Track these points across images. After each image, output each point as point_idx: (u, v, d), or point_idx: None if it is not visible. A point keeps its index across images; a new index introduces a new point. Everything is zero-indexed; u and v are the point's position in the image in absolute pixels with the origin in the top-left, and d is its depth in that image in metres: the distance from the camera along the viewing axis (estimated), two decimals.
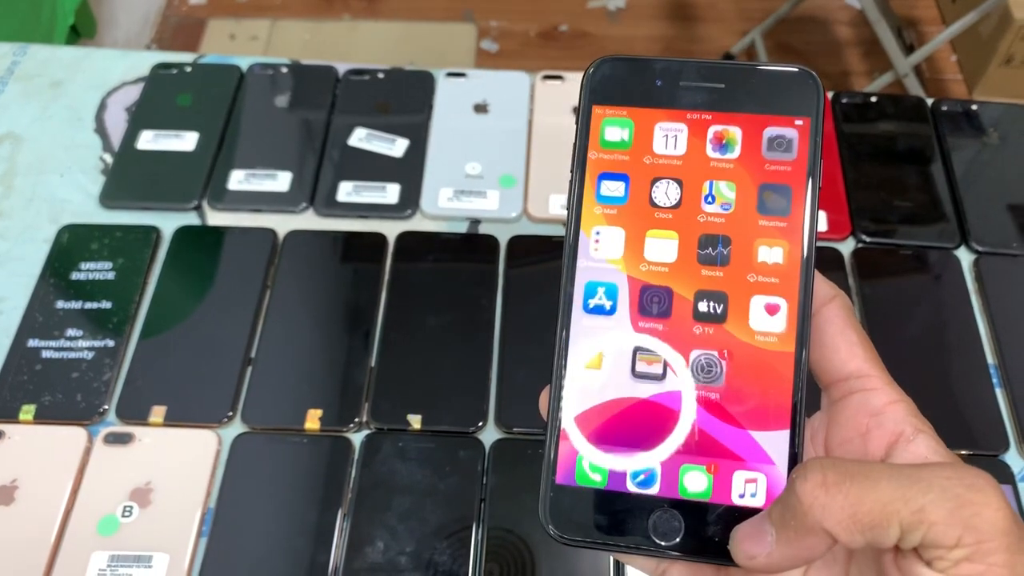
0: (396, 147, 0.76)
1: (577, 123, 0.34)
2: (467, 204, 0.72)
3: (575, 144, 0.34)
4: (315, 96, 0.79)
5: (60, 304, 0.66)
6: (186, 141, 0.76)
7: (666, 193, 0.33)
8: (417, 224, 0.72)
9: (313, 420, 0.61)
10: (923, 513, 0.25)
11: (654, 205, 0.33)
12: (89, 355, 0.64)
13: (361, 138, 0.76)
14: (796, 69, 0.33)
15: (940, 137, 0.77)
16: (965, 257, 0.70)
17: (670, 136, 0.34)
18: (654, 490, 0.31)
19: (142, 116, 0.78)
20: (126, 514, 0.57)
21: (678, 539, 0.31)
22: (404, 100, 0.79)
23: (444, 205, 0.72)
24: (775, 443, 0.31)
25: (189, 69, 0.81)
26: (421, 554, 0.56)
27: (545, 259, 0.69)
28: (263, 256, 0.69)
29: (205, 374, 0.63)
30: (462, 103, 0.79)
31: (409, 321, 0.66)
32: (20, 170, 0.75)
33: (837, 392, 0.31)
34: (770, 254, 0.32)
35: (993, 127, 0.78)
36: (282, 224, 0.71)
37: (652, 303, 0.33)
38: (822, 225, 0.71)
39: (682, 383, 0.32)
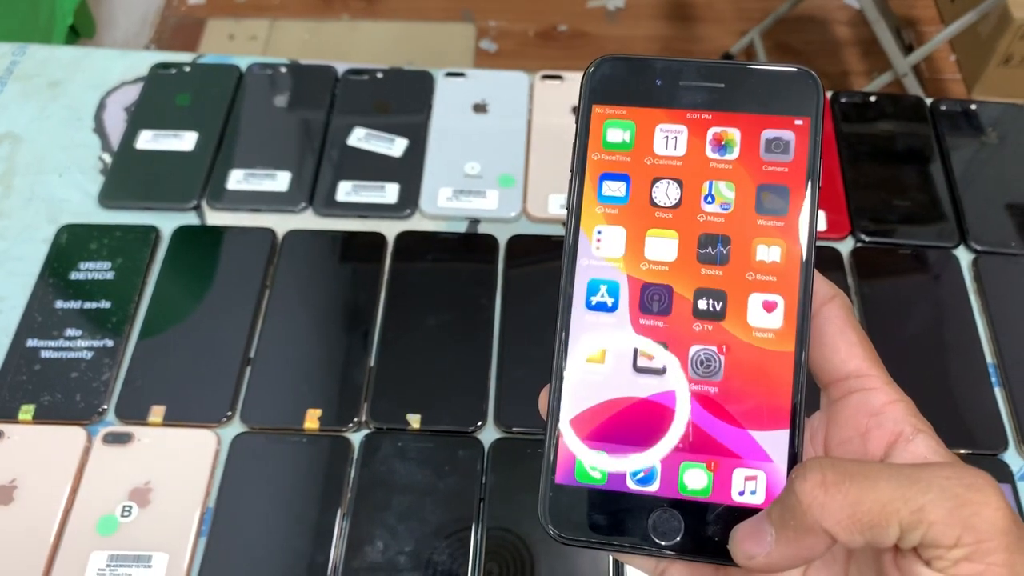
0: (395, 147, 0.76)
1: (577, 122, 0.34)
2: (466, 204, 0.72)
3: (575, 144, 0.34)
4: (314, 96, 0.79)
5: (59, 304, 0.66)
6: (185, 141, 0.76)
7: (666, 193, 0.33)
8: (416, 224, 0.72)
9: (312, 420, 0.61)
10: (922, 513, 0.25)
11: (655, 205, 0.33)
12: (88, 355, 0.64)
13: (360, 138, 0.76)
14: (795, 69, 0.33)
15: (939, 137, 0.77)
16: (964, 256, 0.70)
17: (670, 137, 0.34)
18: (654, 488, 0.31)
19: (141, 116, 0.78)
20: (125, 514, 0.57)
21: (677, 539, 0.31)
22: (403, 100, 0.79)
23: (443, 205, 0.72)
24: (775, 442, 0.31)
25: (188, 69, 0.81)
26: (420, 554, 0.56)
27: (544, 259, 0.69)
28: (262, 256, 0.69)
29: (204, 374, 0.63)
30: (461, 103, 0.79)
31: (408, 321, 0.66)
32: (19, 170, 0.75)
33: (836, 392, 0.31)
34: (769, 253, 0.32)
35: (992, 127, 0.78)
36: (281, 224, 0.71)
37: (652, 301, 0.33)
38: (821, 225, 0.71)
39: (681, 381, 0.32)
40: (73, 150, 0.76)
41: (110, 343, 0.64)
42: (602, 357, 0.33)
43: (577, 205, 0.34)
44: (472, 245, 0.70)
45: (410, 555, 0.56)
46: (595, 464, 0.32)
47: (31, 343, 0.64)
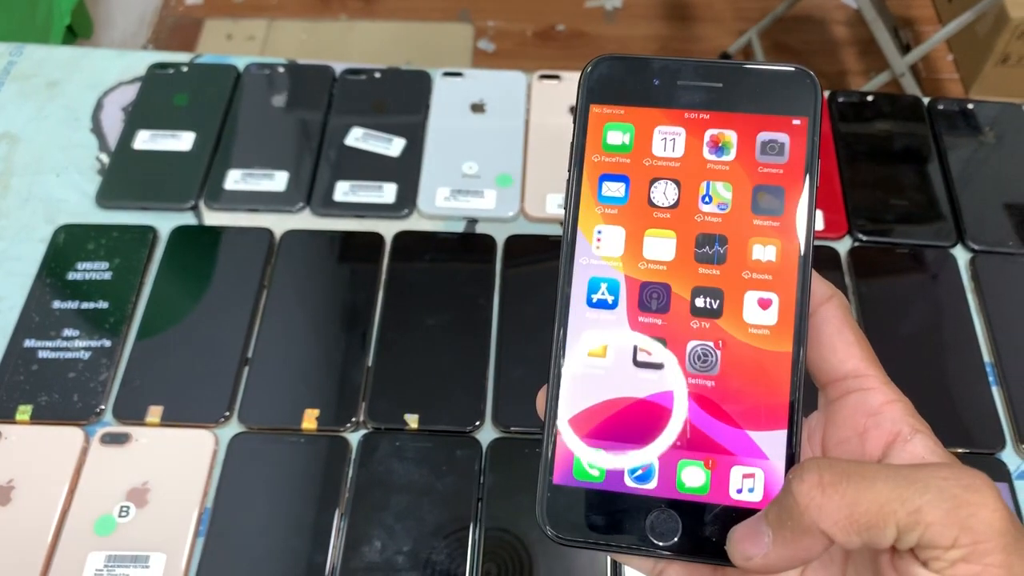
0: (393, 147, 0.76)
1: (575, 122, 0.34)
2: (464, 204, 0.72)
3: (573, 143, 0.34)
4: (312, 96, 0.79)
5: (57, 304, 0.66)
6: (183, 141, 0.76)
7: (664, 193, 0.33)
8: (414, 224, 0.72)
9: (310, 420, 0.61)
10: (919, 514, 0.25)
11: (653, 205, 0.33)
12: (86, 355, 0.64)
13: (358, 138, 0.76)
14: (793, 68, 0.33)
15: (936, 136, 0.77)
16: (961, 256, 0.70)
17: (668, 138, 0.34)
18: (651, 486, 0.31)
19: (138, 116, 0.78)
20: (123, 514, 0.57)
21: (675, 539, 0.31)
22: (401, 100, 0.79)
23: (441, 204, 0.72)
24: (773, 441, 0.31)
25: (186, 69, 0.81)
26: (418, 554, 0.56)
27: (542, 258, 0.69)
28: (260, 256, 0.69)
29: (202, 374, 0.63)
30: (459, 103, 0.79)
31: (406, 321, 0.66)
32: (16, 170, 0.75)
33: (834, 392, 0.31)
34: (766, 253, 0.32)
35: (989, 126, 0.78)
36: (279, 224, 0.71)
37: (651, 299, 0.33)
38: (819, 224, 0.71)
39: (679, 380, 0.32)
40: (71, 150, 0.76)
41: (108, 343, 0.64)
42: (602, 352, 0.33)
43: (575, 204, 0.34)
44: (470, 245, 0.70)
45: (408, 555, 0.56)
46: (593, 462, 0.32)
47: (28, 343, 0.64)
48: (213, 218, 0.72)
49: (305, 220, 0.72)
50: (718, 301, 0.32)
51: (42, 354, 0.64)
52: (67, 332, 0.65)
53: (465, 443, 0.60)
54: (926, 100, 0.80)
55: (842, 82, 1.94)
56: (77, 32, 1.61)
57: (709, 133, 0.33)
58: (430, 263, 0.69)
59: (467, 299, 0.67)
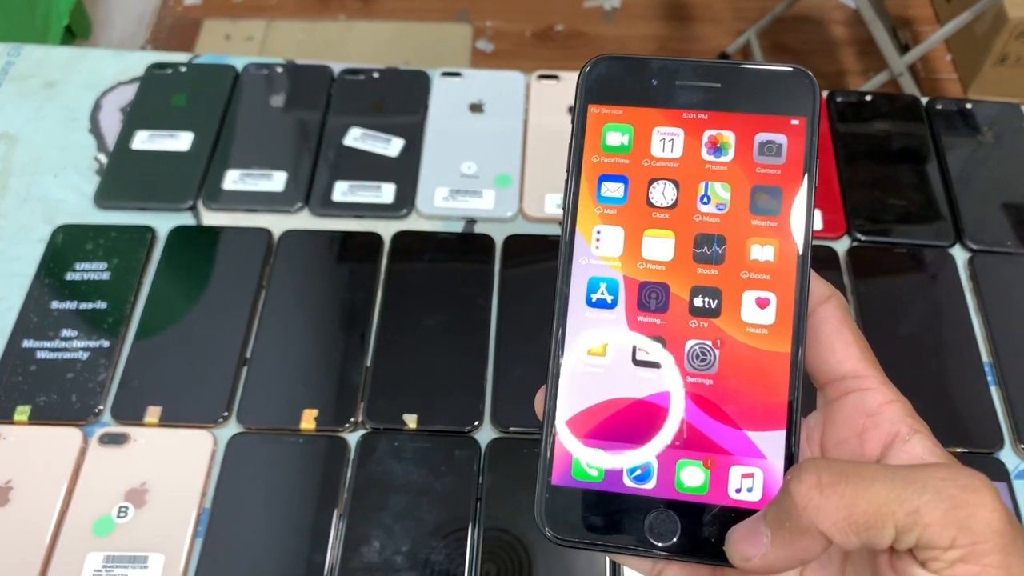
0: (391, 147, 0.76)
1: (573, 122, 0.34)
2: (463, 204, 0.72)
3: (571, 144, 0.34)
4: (310, 96, 0.79)
5: (55, 304, 0.66)
6: (181, 141, 0.76)
7: (663, 194, 0.33)
8: (413, 224, 0.72)
9: (309, 420, 0.61)
10: (918, 514, 0.25)
11: (652, 206, 0.33)
12: (84, 355, 0.64)
13: (356, 138, 0.76)
14: (792, 69, 0.33)
15: (935, 136, 0.77)
16: (960, 255, 0.70)
17: (667, 139, 0.34)
18: (650, 485, 0.31)
19: (137, 116, 0.77)
20: (121, 515, 0.57)
21: (674, 539, 0.31)
22: (399, 100, 0.79)
23: (440, 205, 0.72)
24: (771, 442, 0.31)
25: (184, 69, 0.81)
26: (417, 554, 0.56)
27: (541, 258, 0.69)
28: (258, 256, 0.69)
29: (200, 374, 0.63)
30: (457, 103, 0.79)
31: (405, 321, 0.66)
32: (15, 170, 0.75)
33: (833, 392, 0.31)
34: (764, 253, 0.32)
35: (988, 126, 0.78)
36: (277, 224, 0.71)
37: (650, 299, 0.33)
38: (817, 224, 0.71)
39: (678, 380, 0.32)
40: (69, 150, 0.76)
41: (106, 343, 0.64)
42: (600, 352, 0.33)
43: (573, 204, 0.34)
44: (468, 245, 0.70)
45: (407, 555, 0.56)
46: (592, 461, 0.32)
47: (27, 344, 0.64)
48: (211, 218, 0.72)
49: (303, 220, 0.72)
50: (716, 301, 0.32)
51: (40, 354, 0.64)
52: (65, 332, 0.65)
53: (464, 443, 0.60)
54: (924, 100, 0.80)
55: (841, 82, 1.94)
56: (75, 32, 1.61)
57: (707, 134, 0.33)
58: (429, 263, 0.69)
59: (466, 299, 0.67)
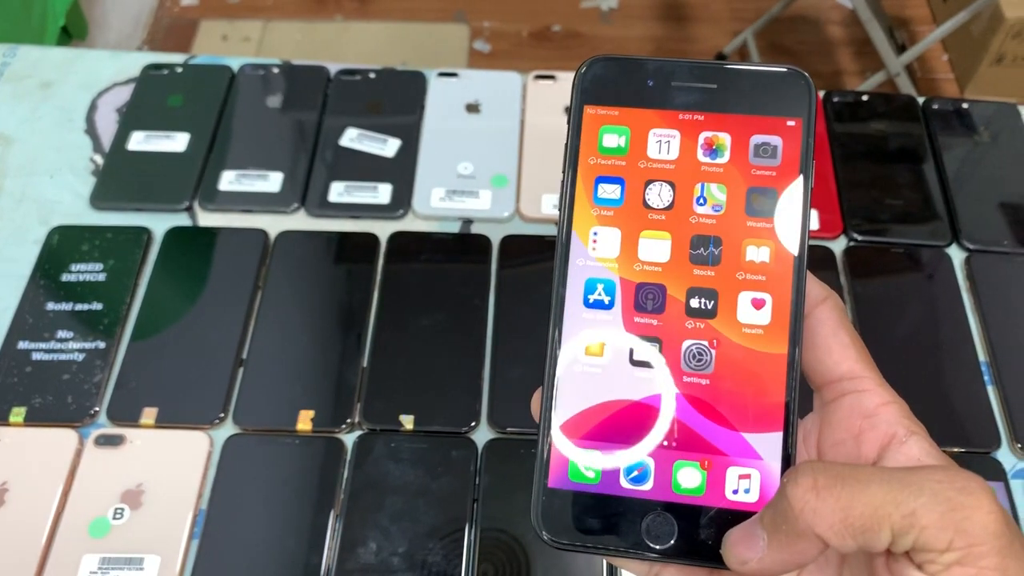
0: (388, 147, 0.76)
1: (569, 123, 0.34)
2: (459, 204, 0.72)
3: (567, 144, 0.34)
4: (306, 96, 0.79)
5: (50, 306, 0.66)
6: (177, 142, 0.75)
7: (659, 195, 0.33)
8: (409, 224, 0.72)
9: (305, 421, 0.61)
10: (914, 517, 0.25)
11: (648, 207, 0.33)
12: (80, 357, 0.64)
13: (353, 138, 0.76)
14: (788, 69, 0.33)
15: (931, 136, 0.77)
16: (956, 255, 0.70)
17: (663, 141, 0.34)
18: (647, 487, 0.31)
19: (133, 117, 0.77)
20: (117, 516, 0.57)
21: (671, 542, 0.31)
22: (396, 100, 0.79)
23: (436, 205, 0.72)
24: (768, 443, 0.31)
25: (180, 70, 0.81)
26: (414, 555, 0.56)
27: (538, 259, 0.69)
28: (254, 257, 0.69)
29: (196, 375, 0.63)
30: (454, 103, 0.79)
31: (401, 321, 0.66)
32: (10, 171, 0.75)
33: (829, 394, 0.31)
34: (760, 254, 0.32)
35: (984, 126, 0.78)
36: (273, 225, 0.71)
37: (646, 300, 0.33)
38: (814, 224, 0.71)
39: (674, 381, 0.32)
40: (64, 151, 0.76)
41: (102, 345, 0.64)
42: (597, 353, 0.33)
43: (570, 205, 0.34)
44: (465, 245, 0.70)
45: (403, 556, 0.56)
46: (589, 463, 0.32)
47: (22, 345, 0.64)
48: (207, 219, 0.72)
49: (300, 221, 0.72)
50: (712, 302, 0.32)
51: (36, 356, 0.64)
52: (61, 334, 0.65)
53: (461, 444, 0.60)
54: (921, 100, 0.80)
55: (838, 82, 1.94)
56: (72, 33, 1.61)
57: (703, 135, 0.33)
58: (425, 264, 0.69)
59: (463, 299, 0.67)
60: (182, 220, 0.72)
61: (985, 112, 0.79)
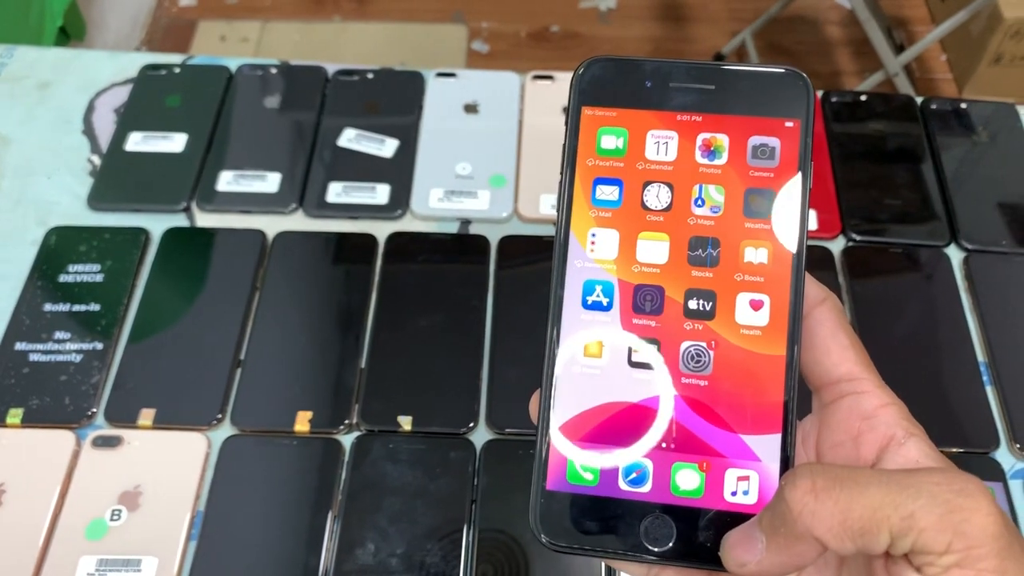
0: (386, 147, 0.76)
1: (567, 124, 0.34)
2: (457, 204, 0.72)
3: (565, 145, 0.34)
4: (304, 97, 0.79)
5: (48, 307, 0.66)
6: (175, 142, 0.75)
7: (657, 197, 0.33)
8: (407, 225, 0.72)
9: (303, 422, 0.61)
10: (913, 519, 0.25)
11: (646, 208, 0.33)
12: (77, 358, 0.63)
13: (351, 139, 0.76)
14: (786, 70, 0.33)
15: (930, 136, 0.77)
16: (955, 255, 0.70)
17: (661, 142, 0.33)
18: (646, 489, 0.31)
19: (130, 117, 0.77)
20: (115, 518, 0.57)
21: (670, 544, 0.31)
22: (394, 100, 0.79)
23: (434, 205, 0.72)
24: (767, 445, 0.31)
25: (178, 70, 0.81)
26: (412, 556, 0.56)
27: (536, 259, 0.69)
28: (252, 257, 0.69)
29: (194, 376, 0.63)
30: (452, 103, 0.79)
31: (399, 322, 0.66)
32: (7, 172, 0.75)
33: (828, 395, 0.31)
34: (759, 255, 0.32)
35: (983, 125, 0.78)
36: (271, 225, 0.71)
37: (645, 302, 0.33)
38: (812, 224, 0.71)
39: (673, 383, 0.32)
40: (62, 152, 0.76)
41: (99, 346, 0.64)
42: (596, 355, 0.32)
43: (568, 206, 0.34)
44: (463, 246, 0.70)
45: (402, 557, 0.56)
46: (587, 464, 0.32)
47: (19, 346, 0.64)
48: (205, 220, 0.72)
49: (298, 221, 0.72)
50: (711, 303, 0.32)
51: (33, 357, 0.63)
52: (58, 335, 0.64)
53: (459, 445, 0.60)
54: (919, 100, 0.80)
55: (836, 82, 1.94)
56: (70, 34, 1.60)
57: (701, 136, 0.33)
58: (423, 264, 0.69)
59: (461, 300, 0.67)
60: (180, 221, 0.72)
61: (983, 112, 0.79)
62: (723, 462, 0.31)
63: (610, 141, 0.34)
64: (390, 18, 2.06)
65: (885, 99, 0.80)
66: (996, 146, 0.77)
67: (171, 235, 0.70)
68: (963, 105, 0.79)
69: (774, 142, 0.33)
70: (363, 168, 0.74)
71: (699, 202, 0.33)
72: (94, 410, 0.61)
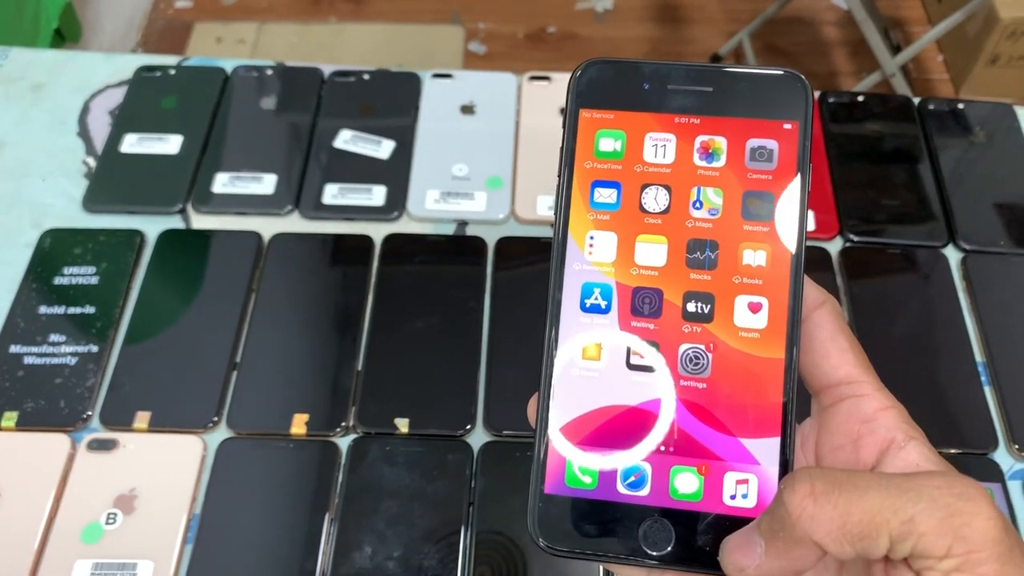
0: (382, 149, 0.75)
1: (564, 126, 0.34)
2: (454, 206, 0.72)
3: (563, 147, 0.34)
4: (300, 98, 0.79)
5: (43, 309, 0.66)
6: (170, 144, 0.75)
7: (656, 199, 0.33)
8: (404, 226, 0.72)
9: (299, 425, 0.61)
10: (913, 523, 0.24)
11: (644, 211, 0.33)
12: (72, 361, 0.63)
13: (347, 140, 0.76)
14: (784, 72, 0.33)
15: (927, 136, 0.77)
16: (953, 256, 0.70)
17: (659, 144, 0.33)
18: (644, 492, 0.31)
19: (126, 119, 0.77)
20: (110, 521, 0.57)
21: (668, 548, 0.31)
22: (390, 102, 0.79)
23: (431, 207, 0.72)
24: (766, 448, 0.31)
25: (173, 72, 0.80)
26: (409, 559, 0.55)
27: (533, 261, 0.69)
28: (248, 259, 0.68)
29: (190, 379, 0.63)
30: (448, 104, 0.79)
31: (396, 324, 0.65)
32: (2, 174, 0.74)
33: (827, 398, 0.31)
34: (757, 258, 0.32)
35: (980, 126, 0.78)
36: (267, 227, 0.71)
37: (643, 304, 0.32)
38: (810, 225, 0.71)
39: (671, 386, 0.32)
40: (57, 154, 0.76)
41: (94, 348, 0.64)
42: (594, 358, 0.32)
43: (566, 209, 0.33)
44: (460, 247, 0.70)
45: (399, 560, 0.55)
46: (586, 467, 0.32)
47: (14, 349, 0.64)
48: (201, 221, 0.72)
49: (294, 223, 0.72)
50: (709, 306, 0.32)
51: (28, 360, 0.63)
52: (53, 337, 0.64)
53: (456, 447, 0.60)
54: (916, 100, 0.80)
55: (833, 83, 1.94)
56: (65, 35, 1.60)
57: (700, 139, 0.33)
58: (420, 266, 0.69)
59: (458, 302, 0.67)
60: (175, 223, 0.71)
61: (981, 112, 0.79)
62: (722, 465, 0.31)
63: (608, 143, 0.34)
64: (386, 19, 2.06)
65: (882, 100, 0.80)
66: (993, 146, 0.77)
67: (167, 237, 0.70)
68: (960, 105, 0.79)
69: (772, 144, 0.33)
70: (359, 169, 0.74)
71: (697, 204, 0.33)
72: (89, 413, 0.61)
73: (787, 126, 0.33)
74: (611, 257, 0.33)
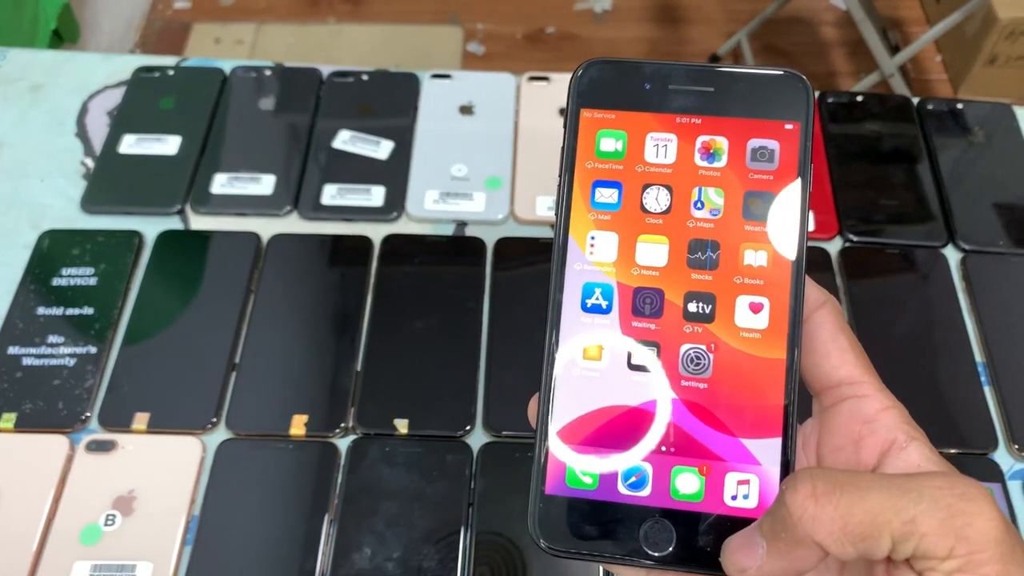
0: (381, 149, 0.75)
1: (565, 126, 0.34)
2: (453, 206, 0.72)
3: (563, 148, 0.34)
4: (299, 99, 0.79)
5: (41, 310, 0.65)
6: (169, 145, 0.75)
7: (657, 199, 0.33)
8: (403, 227, 0.71)
9: (299, 426, 0.60)
10: (914, 524, 0.24)
11: (645, 211, 0.33)
12: (71, 362, 0.63)
13: (345, 140, 0.76)
14: (786, 72, 0.33)
15: (926, 136, 0.77)
16: (952, 256, 0.70)
17: (660, 144, 0.33)
18: (645, 493, 0.31)
19: (124, 120, 0.77)
20: (109, 523, 0.56)
21: (669, 549, 0.30)
22: (389, 102, 0.79)
23: (430, 207, 0.72)
24: (767, 448, 0.31)
25: (172, 72, 0.80)
26: (409, 560, 0.55)
27: (533, 261, 0.69)
28: (247, 260, 0.68)
29: (189, 380, 0.62)
30: (447, 105, 0.79)
31: (395, 325, 0.65)
32: (0, 175, 0.74)
33: (828, 399, 0.31)
34: (759, 258, 0.32)
35: (979, 126, 0.78)
36: (266, 228, 0.71)
37: (644, 305, 0.32)
38: (809, 225, 0.71)
39: (672, 386, 0.32)
40: (55, 155, 0.75)
41: (93, 350, 0.64)
42: (595, 358, 0.32)
43: (566, 209, 0.33)
44: (459, 248, 0.70)
45: (399, 561, 0.55)
46: (586, 468, 0.31)
47: (12, 350, 0.63)
48: (199, 222, 0.71)
49: (292, 224, 0.72)
50: (710, 306, 0.32)
51: (26, 361, 0.63)
52: (52, 339, 0.64)
53: (455, 448, 0.60)
54: (915, 100, 0.80)
55: (832, 83, 1.94)
56: (63, 36, 1.60)
57: (701, 139, 0.33)
58: (419, 266, 0.69)
59: (457, 302, 0.67)
60: (174, 223, 0.71)
61: (979, 112, 0.79)
62: (723, 466, 0.31)
63: (609, 143, 0.33)
64: (385, 20, 2.06)
65: (881, 100, 0.80)
66: (992, 146, 0.77)
67: (165, 238, 0.70)
68: (959, 106, 0.79)
69: (773, 145, 0.33)
70: (358, 170, 0.74)
71: (698, 205, 0.33)
72: (88, 414, 0.61)
73: (788, 126, 0.33)
74: (612, 257, 0.33)
